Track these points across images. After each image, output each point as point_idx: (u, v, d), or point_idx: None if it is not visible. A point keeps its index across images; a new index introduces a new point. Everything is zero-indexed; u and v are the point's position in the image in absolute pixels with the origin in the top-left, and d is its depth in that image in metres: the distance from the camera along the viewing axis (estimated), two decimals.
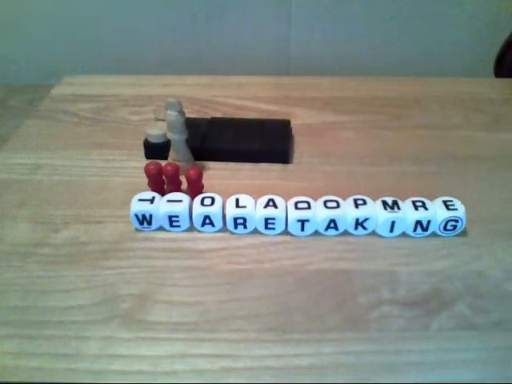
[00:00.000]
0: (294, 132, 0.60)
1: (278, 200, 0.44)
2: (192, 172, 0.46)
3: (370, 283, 0.40)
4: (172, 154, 0.51)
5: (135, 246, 0.44)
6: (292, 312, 0.38)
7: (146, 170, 0.46)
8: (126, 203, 0.48)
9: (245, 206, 0.43)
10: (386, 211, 0.43)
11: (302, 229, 0.43)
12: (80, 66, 0.76)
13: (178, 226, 0.44)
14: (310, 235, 0.44)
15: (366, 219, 0.43)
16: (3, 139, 0.59)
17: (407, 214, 0.43)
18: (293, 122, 0.62)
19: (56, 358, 0.35)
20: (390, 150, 0.56)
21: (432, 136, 0.59)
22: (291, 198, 0.45)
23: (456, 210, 0.43)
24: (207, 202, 0.44)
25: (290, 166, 0.54)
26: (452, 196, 0.46)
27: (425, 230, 0.43)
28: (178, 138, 0.49)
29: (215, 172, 0.53)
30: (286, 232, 0.44)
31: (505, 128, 0.60)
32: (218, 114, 0.63)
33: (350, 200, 0.44)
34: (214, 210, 0.43)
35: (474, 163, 0.54)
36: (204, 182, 0.51)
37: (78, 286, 0.40)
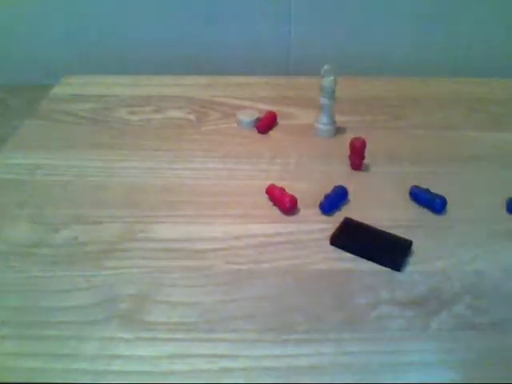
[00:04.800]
0: (293, 132, 0.60)
1: None
2: (357, 142, 0.52)
3: (370, 283, 0.40)
4: (320, 119, 0.58)
5: (134, 246, 0.44)
6: (291, 312, 0.38)
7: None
8: (125, 203, 0.49)
9: None
10: None
11: None
12: (80, 66, 0.76)
13: None
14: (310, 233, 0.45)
15: None
16: (3, 139, 0.59)
17: None
18: (292, 122, 0.62)
19: (55, 358, 0.35)
20: (390, 150, 0.56)
21: (432, 136, 0.59)
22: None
23: None
24: None
25: (290, 166, 0.54)
26: (452, 196, 0.46)
27: None
28: (330, 102, 0.56)
29: (215, 172, 0.53)
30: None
31: (505, 128, 0.60)
32: (218, 114, 0.63)
33: None
34: None
35: (474, 163, 0.54)
36: (203, 181, 0.52)
37: (78, 287, 0.40)
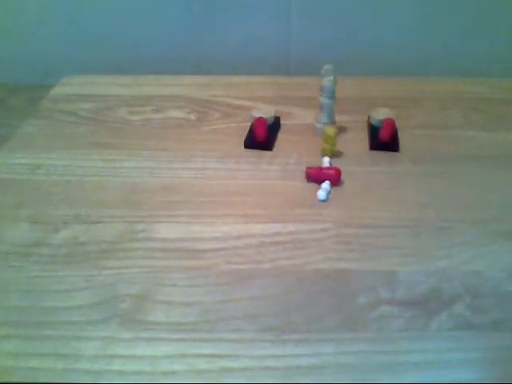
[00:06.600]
0: (293, 132, 0.60)
1: None
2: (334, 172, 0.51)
3: (370, 283, 0.40)
4: (320, 118, 0.58)
5: (134, 246, 0.44)
6: (291, 312, 0.38)
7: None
8: (125, 203, 0.49)
9: None
10: None
11: None
12: (80, 66, 0.76)
13: None
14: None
15: None
16: (3, 139, 0.59)
17: None
18: (292, 122, 0.62)
19: (55, 358, 0.35)
20: None
21: (432, 136, 0.59)
22: (291, 198, 0.45)
23: None
24: None
25: (290, 166, 0.54)
26: (452, 196, 0.46)
27: None
28: (329, 102, 0.56)
29: (215, 172, 0.53)
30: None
31: (505, 128, 0.60)
32: (218, 114, 0.63)
33: None
34: None
35: (474, 163, 0.54)
36: (203, 181, 0.52)
37: (78, 286, 0.40)
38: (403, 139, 0.57)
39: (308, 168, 0.51)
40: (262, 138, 0.56)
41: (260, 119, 0.57)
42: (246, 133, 0.58)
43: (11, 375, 0.34)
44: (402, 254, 0.43)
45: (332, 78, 0.55)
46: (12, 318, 0.38)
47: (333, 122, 0.59)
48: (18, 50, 0.78)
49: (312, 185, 0.51)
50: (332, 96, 0.57)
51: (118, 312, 0.38)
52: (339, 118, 0.60)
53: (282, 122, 0.61)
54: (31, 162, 0.55)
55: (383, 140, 0.55)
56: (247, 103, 0.65)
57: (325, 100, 0.57)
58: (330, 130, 0.53)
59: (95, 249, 0.43)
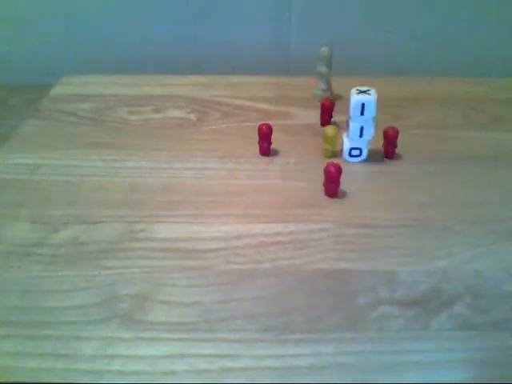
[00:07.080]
0: (293, 132, 0.60)
1: None
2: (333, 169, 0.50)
3: (370, 283, 0.40)
4: (318, 86, 0.64)
5: (134, 246, 0.44)
6: (291, 312, 0.38)
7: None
8: (125, 203, 0.49)
9: None
10: None
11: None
12: (80, 66, 0.76)
13: None
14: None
15: None
16: (3, 139, 0.59)
17: None
18: (292, 122, 0.62)
19: (55, 358, 0.35)
20: None
21: (432, 136, 0.59)
22: (291, 198, 0.45)
23: None
24: None
25: (290, 166, 0.54)
26: (452, 196, 0.46)
27: None
28: (326, 70, 0.62)
29: (215, 172, 0.53)
30: None
31: (505, 128, 0.60)
32: (218, 114, 0.63)
33: None
34: None
35: (474, 163, 0.54)
36: (203, 181, 0.52)
37: (77, 286, 0.40)
38: (403, 139, 0.57)
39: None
40: (265, 152, 0.55)
41: (264, 128, 0.55)
42: (245, 132, 0.59)
43: (11, 375, 0.34)
44: (401, 254, 0.43)
45: (328, 48, 0.61)
46: (12, 317, 0.38)
47: (329, 90, 0.64)
48: (18, 50, 0.78)
49: (313, 184, 0.51)
50: (328, 64, 0.62)
51: (118, 312, 0.38)
52: (339, 118, 0.60)
53: (282, 121, 0.61)
54: (31, 162, 0.55)
55: (389, 158, 0.55)
56: (247, 103, 0.65)
57: (322, 68, 0.62)
58: (330, 131, 0.53)
59: (95, 249, 0.43)
